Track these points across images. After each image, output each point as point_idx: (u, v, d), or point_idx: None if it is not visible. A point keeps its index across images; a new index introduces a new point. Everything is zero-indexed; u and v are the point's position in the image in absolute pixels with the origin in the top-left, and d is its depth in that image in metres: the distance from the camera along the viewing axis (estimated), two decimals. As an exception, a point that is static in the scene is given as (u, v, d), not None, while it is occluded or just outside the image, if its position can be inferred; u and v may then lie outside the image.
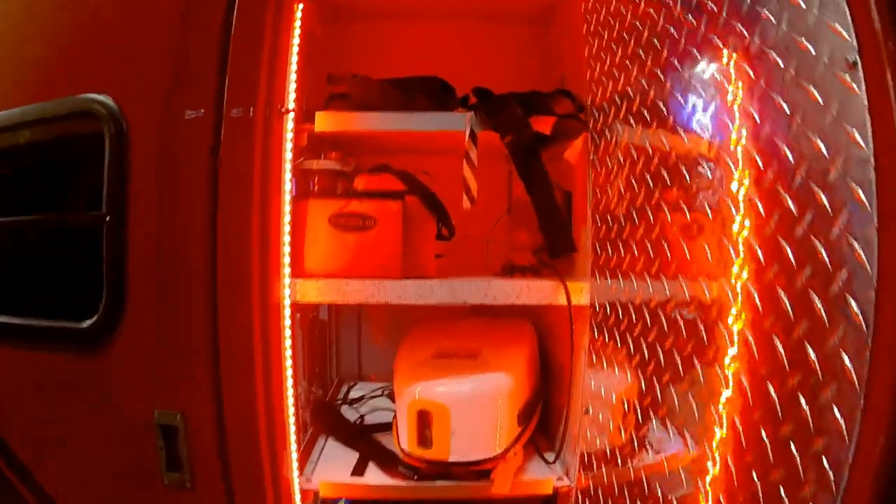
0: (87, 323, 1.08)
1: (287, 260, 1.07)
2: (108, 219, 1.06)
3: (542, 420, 1.27)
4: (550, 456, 1.21)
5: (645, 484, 0.87)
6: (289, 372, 1.08)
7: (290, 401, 1.09)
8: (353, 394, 1.45)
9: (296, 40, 1.12)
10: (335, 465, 1.18)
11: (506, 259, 1.28)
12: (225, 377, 1.00)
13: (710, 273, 0.73)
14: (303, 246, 1.10)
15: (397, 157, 1.23)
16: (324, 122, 1.10)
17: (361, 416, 1.36)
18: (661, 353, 0.83)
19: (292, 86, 1.09)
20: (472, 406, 1.09)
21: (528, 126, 1.07)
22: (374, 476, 1.13)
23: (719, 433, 0.71)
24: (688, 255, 0.78)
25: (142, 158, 1.07)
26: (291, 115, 1.06)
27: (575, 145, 1.13)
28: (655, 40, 0.87)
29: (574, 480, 1.13)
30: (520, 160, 1.07)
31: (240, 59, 1.03)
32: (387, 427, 1.25)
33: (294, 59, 1.10)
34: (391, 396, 1.42)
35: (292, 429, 1.10)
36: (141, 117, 1.07)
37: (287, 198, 1.07)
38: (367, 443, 1.20)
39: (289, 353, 1.08)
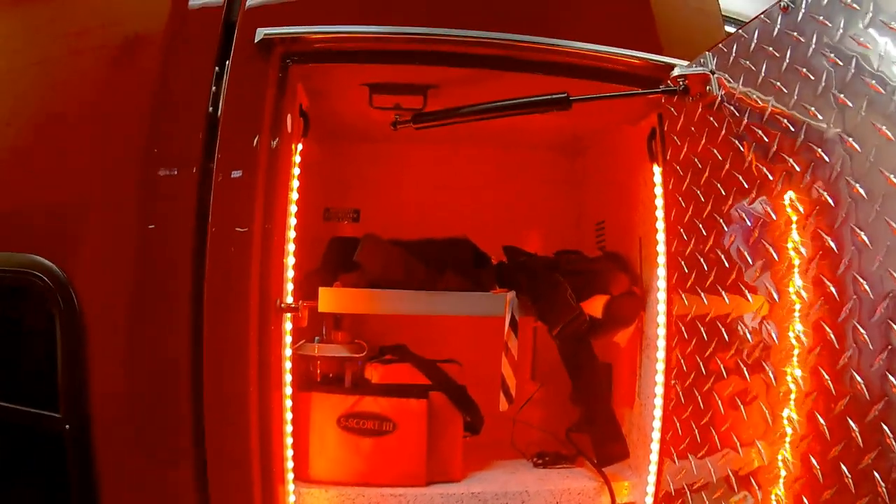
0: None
1: (290, 465, 0.89)
2: (67, 427, 0.83)
3: None
4: None
5: None
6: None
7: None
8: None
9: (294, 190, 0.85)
10: None
11: (534, 438, 1.10)
12: None
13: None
14: (306, 445, 0.90)
15: (415, 322, 1.01)
16: (329, 301, 0.88)
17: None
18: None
19: (289, 286, 0.84)
20: None
21: (581, 314, 0.88)
22: None
23: None
24: None
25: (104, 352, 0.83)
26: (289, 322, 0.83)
27: (628, 329, 0.95)
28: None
29: None
30: (568, 352, 0.88)
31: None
32: None
33: (290, 249, 0.84)
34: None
35: None
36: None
37: (288, 402, 0.86)
38: None
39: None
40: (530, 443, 1.05)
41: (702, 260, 0.79)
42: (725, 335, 0.75)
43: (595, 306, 0.90)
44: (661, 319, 0.90)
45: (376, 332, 0.98)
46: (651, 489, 0.92)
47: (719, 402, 0.77)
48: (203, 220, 0.79)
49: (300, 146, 0.88)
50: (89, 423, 0.82)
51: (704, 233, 0.78)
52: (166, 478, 0.82)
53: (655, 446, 0.91)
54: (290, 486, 0.88)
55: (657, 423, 0.91)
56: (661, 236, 0.90)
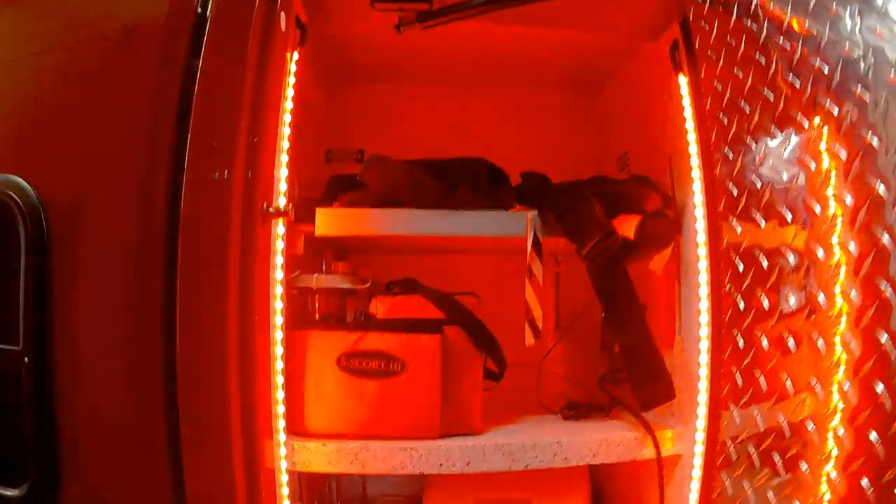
0: (17, 491, 0.74)
1: (282, 423, 0.76)
2: (26, 360, 0.72)
3: None
4: None
5: None
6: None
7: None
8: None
9: (288, 104, 0.77)
10: None
11: (560, 392, 0.98)
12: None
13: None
14: (301, 394, 0.78)
15: (426, 258, 0.90)
16: (327, 223, 0.77)
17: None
18: None
19: (283, 172, 0.74)
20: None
21: (613, 231, 0.77)
22: None
23: None
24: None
25: (69, 271, 0.73)
26: (281, 225, 0.73)
27: (664, 253, 0.84)
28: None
29: None
30: (600, 277, 0.77)
31: (207, 130, 0.69)
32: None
33: (286, 131, 0.76)
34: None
35: None
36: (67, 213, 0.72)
37: (279, 333, 0.75)
38: None
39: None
40: (557, 397, 0.92)
41: (755, 179, 0.70)
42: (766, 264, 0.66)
43: (627, 226, 0.79)
44: (702, 238, 0.79)
45: (382, 270, 0.87)
46: (700, 436, 0.79)
47: (766, 340, 0.67)
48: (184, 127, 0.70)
49: (296, 55, 0.79)
50: (52, 359, 0.71)
51: (755, 149, 0.69)
52: (132, 423, 0.70)
53: (703, 384, 0.79)
54: (281, 440, 0.75)
55: (704, 358, 0.79)
56: (693, 149, 0.81)
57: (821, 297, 0.61)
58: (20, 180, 0.76)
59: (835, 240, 0.60)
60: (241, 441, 0.71)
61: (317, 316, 0.82)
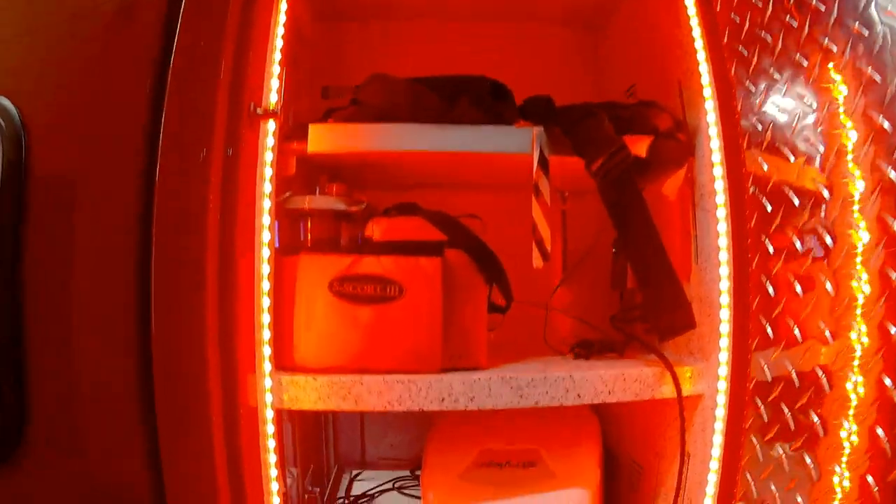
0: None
1: (267, 351, 0.69)
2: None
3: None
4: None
5: None
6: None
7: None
8: (357, 487, 1.07)
9: (281, 17, 0.72)
10: None
11: (570, 335, 0.92)
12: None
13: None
14: (291, 327, 0.71)
15: (426, 194, 0.85)
16: (321, 139, 0.71)
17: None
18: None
19: (274, 82, 0.69)
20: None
21: (624, 147, 0.71)
22: None
23: None
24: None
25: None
26: (272, 123, 0.67)
27: (678, 175, 0.78)
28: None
29: None
30: (612, 194, 0.71)
31: (192, 36, 0.64)
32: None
33: (278, 42, 0.71)
34: (404, 488, 1.06)
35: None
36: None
37: (265, 251, 0.69)
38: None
39: (274, 485, 0.70)
40: (566, 339, 0.85)
41: (780, 114, 0.65)
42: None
43: (638, 147, 0.74)
44: (717, 157, 0.74)
45: (379, 196, 0.81)
46: (724, 371, 0.72)
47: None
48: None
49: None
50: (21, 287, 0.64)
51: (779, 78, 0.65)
52: (98, 353, 0.63)
53: (726, 314, 0.72)
54: (267, 369, 0.68)
55: (725, 285, 0.73)
56: (703, 67, 0.76)
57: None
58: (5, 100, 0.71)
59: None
60: (219, 373, 0.64)
61: (309, 242, 0.76)
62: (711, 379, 0.74)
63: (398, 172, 0.85)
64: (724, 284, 0.72)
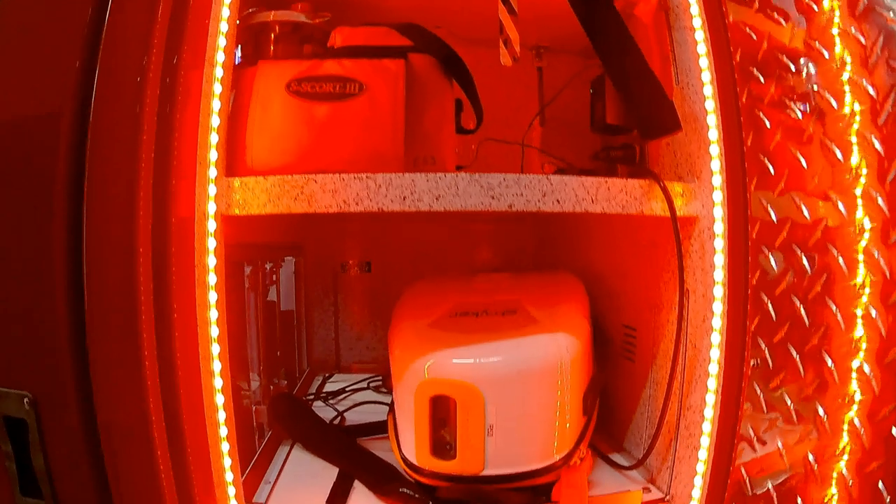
0: None
1: (214, 156, 0.62)
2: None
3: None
4: (618, 458, 0.77)
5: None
6: (213, 332, 0.61)
7: (219, 383, 0.62)
8: (329, 387, 0.97)
9: None
10: (303, 486, 0.70)
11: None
12: (93, 341, 0.54)
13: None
14: (244, 131, 0.66)
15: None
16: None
17: (340, 414, 0.88)
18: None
19: None
20: (520, 384, 0.64)
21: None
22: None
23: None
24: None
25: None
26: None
27: (652, -3, 0.74)
28: None
29: (671, 490, 0.69)
30: (583, 7, 0.67)
31: None
32: (377, 428, 0.79)
33: None
34: (380, 388, 0.96)
35: (223, 430, 0.63)
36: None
37: (220, 56, 0.63)
38: (352, 452, 0.73)
39: (213, 300, 0.62)
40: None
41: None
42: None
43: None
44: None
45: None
46: (719, 196, 0.65)
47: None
48: None
49: None
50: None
51: None
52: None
53: (715, 149, 0.65)
54: (212, 175, 0.61)
55: (710, 103, 0.65)
56: None
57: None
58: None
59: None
60: (151, 178, 0.56)
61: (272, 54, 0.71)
62: (706, 199, 0.67)
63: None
64: (710, 101, 0.65)
